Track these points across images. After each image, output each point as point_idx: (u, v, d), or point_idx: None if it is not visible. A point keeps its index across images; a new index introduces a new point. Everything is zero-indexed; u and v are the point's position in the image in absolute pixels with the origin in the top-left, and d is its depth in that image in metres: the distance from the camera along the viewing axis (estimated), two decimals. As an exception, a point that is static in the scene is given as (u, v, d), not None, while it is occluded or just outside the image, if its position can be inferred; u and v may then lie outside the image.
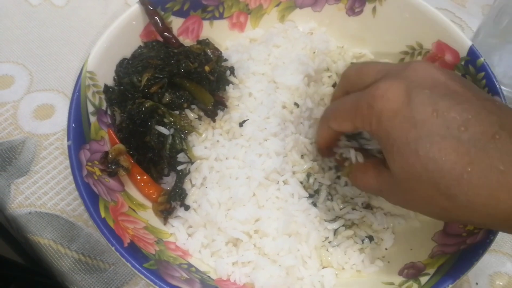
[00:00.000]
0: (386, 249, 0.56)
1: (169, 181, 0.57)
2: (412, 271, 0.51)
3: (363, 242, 0.56)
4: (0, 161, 0.64)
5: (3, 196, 0.61)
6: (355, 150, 0.54)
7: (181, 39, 0.67)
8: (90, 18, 0.81)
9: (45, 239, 0.58)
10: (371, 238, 0.56)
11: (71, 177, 0.56)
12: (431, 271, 0.49)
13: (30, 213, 0.60)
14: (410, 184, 0.41)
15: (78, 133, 0.52)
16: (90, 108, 0.55)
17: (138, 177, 0.55)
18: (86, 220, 0.60)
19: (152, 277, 0.44)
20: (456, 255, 0.49)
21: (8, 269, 0.83)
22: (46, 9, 0.82)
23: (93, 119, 0.55)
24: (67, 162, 0.64)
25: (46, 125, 0.68)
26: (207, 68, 0.59)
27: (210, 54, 0.61)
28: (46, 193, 0.62)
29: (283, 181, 0.55)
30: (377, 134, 0.44)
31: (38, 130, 0.68)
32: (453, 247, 0.50)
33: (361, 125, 0.45)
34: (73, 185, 0.50)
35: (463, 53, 0.60)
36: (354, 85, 0.49)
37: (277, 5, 0.73)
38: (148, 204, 0.56)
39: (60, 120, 0.69)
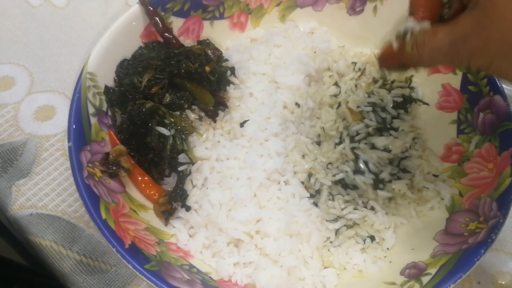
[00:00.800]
0: (387, 249, 0.56)
1: (170, 182, 0.57)
2: (413, 271, 0.51)
3: (364, 242, 0.55)
4: (1, 162, 0.64)
5: (4, 197, 0.61)
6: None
7: (181, 39, 0.67)
8: (90, 19, 0.81)
9: (46, 241, 0.58)
10: (372, 238, 0.56)
11: (72, 179, 0.56)
12: (433, 270, 0.49)
13: (31, 214, 0.60)
14: (498, 11, 0.36)
15: (79, 134, 0.52)
16: (91, 109, 0.55)
17: (139, 178, 0.55)
18: (88, 222, 0.60)
19: (153, 279, 0.44)
20: (458, 255, 0.49)
21: (10, 270, 0.83)
22: (47, 10, 0.82)
23: (93, 120, 0.55)
24: (68, 164, 0.63)
25: (47, 127, 0.68)
26: (207, 68, 0.59)
27: (210, 54, 0.61)
28: (47, 195, 0.62)
29: (284, 182, 0.55)
30: None
31: (39, 132, 0.68)
32: (455, 247, 0.50)
33: None
34: (74, 187, 0.50)
35: (464, 51, 0.60)
36: None
37: (278, 4, 0.73)
38: (149, 205, 0.56)
39: (61, 121, 0.69)
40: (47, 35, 0.78)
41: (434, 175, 0.59)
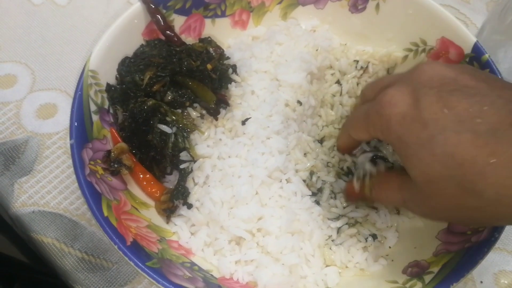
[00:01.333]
0: (389, 247, 0.55)
1: (171, 180, 0.57)
2: (416, 270, 0.50)
3: (366, 241, 0.55)
4: (3, 160, 0.64)
5: (6, 195, 0.61)
6: (377, 162, 0.53)
7: (183, 37, 0.67)
8: (92, 17, 0.81)
9: (48, 238, 0.58)
10: (374, 237, 0.56)
11: (74, 176, 0.56)
12: (435, 269, 0.49)
13: (33, 212, 0.60)
14: (433, 188, 0.39)
15: (81, 132, 0.52)
16: (93, 107, 0.55)
17: (141, 175, 0.55)
18: (89, 219, 0.60)
19: (155, 276, 0.44)
20: (461, 253, 0.49)
21: (12, 268, 0.84)
22: (48, 8, 0.82)
23: (95, 118, 0.55)
24: (70, 161, 0.64)
25: (49, 124, 0.68)
26: (209, 66, 0.58)
27: (212, 52, 0.61)
28: (49, 192, 0.62)
29: (286, 180, 0.54)
30: (390, 141, 0.43)
31: (41, 129, 0.68)
32: (458, 245, 0.50)
33: (374, 133, 0.45)
34: (76, 184, 0.50)
35: (467, 49, 0.60)
36: (369, 98, 0.49)
37: (280, 2, 0.73)
38: (151, 202, 0.55)
39: (63, 119, 0.69)
40: (49, 33, 0.78)
41: None
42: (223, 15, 0.71)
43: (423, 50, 0.66)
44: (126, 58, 0.60)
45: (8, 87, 0.72)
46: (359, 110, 0.49)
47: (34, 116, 0.69)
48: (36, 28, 0.79)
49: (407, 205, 0.45)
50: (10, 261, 0.83)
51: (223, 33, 0.71)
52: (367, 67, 0.68)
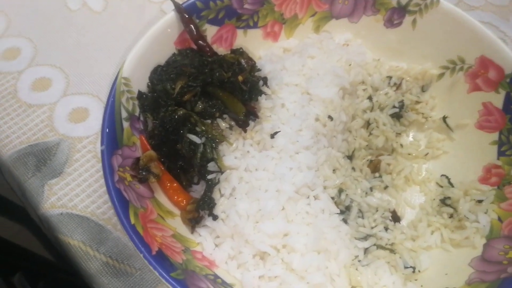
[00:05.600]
0: (419, 271, 0.53)
1: (198, 189, 0.56)
2: (447, 298, 0.48)
3: (395, 263, 0.53)
4: (35, 161, 0.66)
5: (37, 196, 0.63)
6: None
7: (214, 47, 0.68)
8: (126, 24, 0.82)
9: (75, 240, 0.59)
10: (404, 259, 0.54)
11: (102, 181, 0.57)
12: (469, 299, 0.46)
13: (61, 214, 0.61)
14: None
15: (112, 139, 0.52)
16: (124, 114, 0.56)
17: (168, 184, 0.55)
18: (115, 224, 0.60)
19: (179, 287, 0.44)
20: (496, 284, 0.46)
21: (38, 265, 0.85)
22: (85, 14, 0.84)
23: (126, 124, 0.55)
24: (99, 166, 0.65)
25: (80, 128, 0.69)
26: (240, 78, 0.58)
27: (244, 64, 0.61)
28: (77, 195, 0.63)
29: (314, 196, 0.53)
30: None
31: (72, 133, 0.69)
32: (493, 275, 0.47)
33: None
34: (104, 189, 0.51)
35: (508, 69, 0.58)
36: None
37: (313, 15, 0.72)
38: (177, 211, 0.55)
39: (94, 123, 0.70)
40: (84, 38, 0.80)
41: (478, 201, 0.56)
42: (255, 26, 0.71)
43: (461, 69, 0.64)
44: (158, 66, 0.61)
45: (44, 89, 0.74)
46: None
47: (66, 120, 0.70)
48: (72, 33, 0.81)
49: None
50: (36, 258, 0.85)
51: (254, 44, 0.71)
52: (400, 83, 0.66)
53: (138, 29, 0.81)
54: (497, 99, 0.59)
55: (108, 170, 0.49)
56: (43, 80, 0.75)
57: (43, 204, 0.62)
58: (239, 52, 0.64)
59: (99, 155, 0.67)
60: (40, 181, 0.64)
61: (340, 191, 0.56)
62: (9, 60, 0.77)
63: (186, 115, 0.55)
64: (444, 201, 0.56)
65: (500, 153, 0.57)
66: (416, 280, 0.53)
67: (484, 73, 0.61)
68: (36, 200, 0.63)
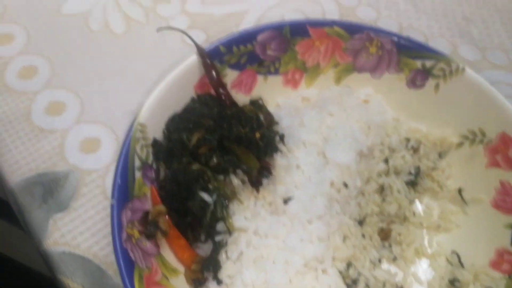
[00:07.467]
0: None
1: (204, 247, 0.56)
2: None
3: None
4: (42, 192, 0.65)
5: (40, 230, 0.62)
6: None
7: (233, 92, 0.67)
8: (145, 49, 0.81)
9: (75, 283, 0.58)
10: None
11: (107, 219, 0.56)
12: None
13: (63, 252, 0.60)
14: None
15: (123, 191, 0.52)
16: (137, 163, 0.55)
17: (175, 240, 0.54)
18: (116, 270, 0.58)
19: None
20: None
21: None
22: (105, 35, 0.83)
23: (138, 174, 0.55)
24: (106, 202, 0.64)
25: (91, 160, 0.68)
26: (257, 134, 0.57)
27: (262, 119, 0.60)
28: (81, 233, 0.62)
29: (322, 270, 0.52)
30: None
31: (82, 164, 0.68)
32: None
33: None
34: (109, 228, 0.50)
35: (531, 152, 0.57)
36: None
37: (335, 66, 0.71)
38: (181, 268, 0.55)
39: (104, 156, 0.69)
40: (101, 61, 0.78)
41: None
42: (276, 72, 0.70)
43: (481, 141, 0.63)
44: (175, 115, 0.60)
45: (57, 114, 0.73)
46: None
47: (77, 149, 0.69)
48: (90, 54, 0.79)
49: None
50: None
51: (273, 90, 0.70)
52: (418, 148, 0.65)
53: (156, 58, 0.79)
54: (517, 180, 0.58)
55: (117, 227, 0.49)
56: (58, 103, 0.74)
57: (47, 239, 0.61)
58: (257, 105, 0.63)
59: (107, 191, 0.67)
60: (46, 214, 0.63)
61: (349, 264, 0.55)
62: (26, 79, 0.76)
63: (201, 172, 0.54)
64: (453, 283, 0.55)
65: (515, 239, 0.56)
66: None
67: (505, 150, 0.60)
68: (39, 235, 0.62)
